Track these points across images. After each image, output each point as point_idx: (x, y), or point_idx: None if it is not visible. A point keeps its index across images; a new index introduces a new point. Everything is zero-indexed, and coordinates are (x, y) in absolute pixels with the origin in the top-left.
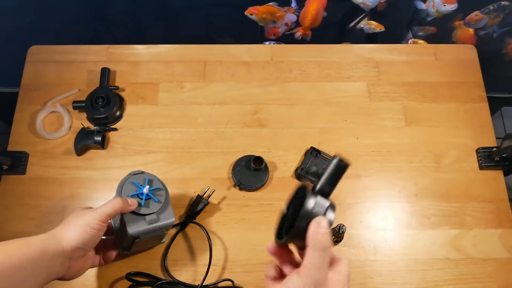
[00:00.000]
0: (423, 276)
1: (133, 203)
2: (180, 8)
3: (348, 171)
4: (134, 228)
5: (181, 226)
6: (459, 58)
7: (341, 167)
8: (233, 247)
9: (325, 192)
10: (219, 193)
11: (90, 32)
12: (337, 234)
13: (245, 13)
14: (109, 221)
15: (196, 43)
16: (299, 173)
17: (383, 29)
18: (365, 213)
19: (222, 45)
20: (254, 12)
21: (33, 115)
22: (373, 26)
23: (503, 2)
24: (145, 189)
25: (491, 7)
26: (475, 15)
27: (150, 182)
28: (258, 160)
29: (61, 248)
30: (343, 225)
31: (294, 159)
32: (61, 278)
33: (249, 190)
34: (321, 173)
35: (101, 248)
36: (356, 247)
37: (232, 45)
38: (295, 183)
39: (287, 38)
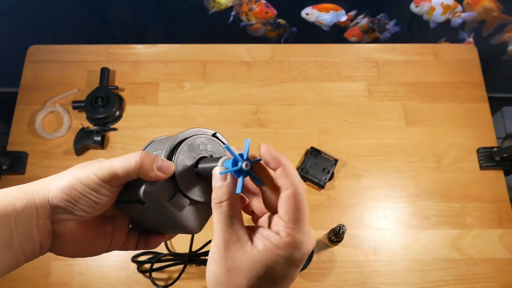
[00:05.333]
0: (423, 277)
1: (165, 167)
2: (180, 8)
3: (348, 171)
4: (151, 189)
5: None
6: (460, 58)
7: None
8: None
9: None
10: None
11: (90, 32)
12: (337, 234)
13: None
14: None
15: (196, 43)
16: (299, 173)
17: None
18: (365, 213)
19: (222, 45)
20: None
21: (33, 115)
22: None
23: (279, 20)
24: (245, 165)
25: (271, 20)
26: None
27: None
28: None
29: (32, 201)
30: (343, 225)
31: (294, 159)
32: (55, 252)
33: None
34: None
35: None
36: (356, 247)
37: (232, 45)
38: None
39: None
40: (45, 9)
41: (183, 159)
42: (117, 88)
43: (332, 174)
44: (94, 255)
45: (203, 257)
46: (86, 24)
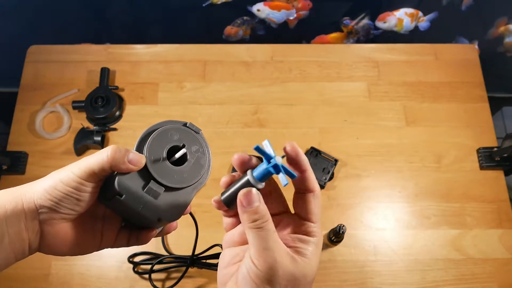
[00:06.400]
0: (423, 277)
1: (135, 159)
2: (180, 8)
3: (348, 171)
4: (125, 180)
5: None
6: (460, 58)
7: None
8: None
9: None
10: (219, 193)
11: (90, 32)
12: (337, 234)
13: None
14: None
15: (196, 43)
16: None
17: None
18: (365, 213)
19: (222, 45)
20: None
21: (33, 115)
22: None
23: (244, 17)
24: (278, 159)
25: (238, 21)
26: (230, 28)
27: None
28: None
29: (20, 203)
30: (343, 225)
31: None
32: (44, 251)
33: None
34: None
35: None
36: (356, 247)
37: (232, 45)
38: None
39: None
40: (45, 9)
41: (154, 148)
42: (117, 88)
43: (332, 174)
44: (85, 253)
45: (205, 261)
46: (86, 24)
